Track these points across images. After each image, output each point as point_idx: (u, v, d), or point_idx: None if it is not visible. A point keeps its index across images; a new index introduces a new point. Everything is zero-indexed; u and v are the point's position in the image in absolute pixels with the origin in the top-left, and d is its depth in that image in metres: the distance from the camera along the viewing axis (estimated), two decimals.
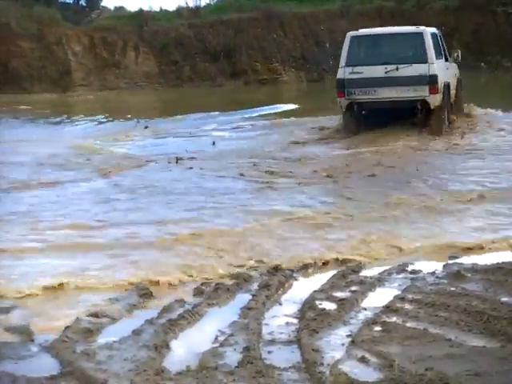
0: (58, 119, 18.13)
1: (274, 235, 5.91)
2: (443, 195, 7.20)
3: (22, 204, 7.46)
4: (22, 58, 27.35)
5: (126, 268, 5.15)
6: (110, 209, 7.16)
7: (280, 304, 4.37)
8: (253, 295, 4.45)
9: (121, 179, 8.90)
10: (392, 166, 9.13)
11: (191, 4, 32.41)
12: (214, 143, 12.05)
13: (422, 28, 12.75)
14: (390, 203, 6.93)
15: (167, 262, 5.27)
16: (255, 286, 4.64)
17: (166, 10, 33.84)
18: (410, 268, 4.93)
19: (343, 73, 12.36)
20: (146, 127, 14.65)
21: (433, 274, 4.76)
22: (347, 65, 12.33)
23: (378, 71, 12.21)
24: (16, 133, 14.52)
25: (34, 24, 28.28)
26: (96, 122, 17.07)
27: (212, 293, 4.55)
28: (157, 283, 4.78)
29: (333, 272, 4.90)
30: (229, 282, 4.76)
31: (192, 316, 4.14)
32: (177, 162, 10.01)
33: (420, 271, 4.83)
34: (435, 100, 11.92)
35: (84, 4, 56.86)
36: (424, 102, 11.89)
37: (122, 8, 39.30)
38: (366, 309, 4.16)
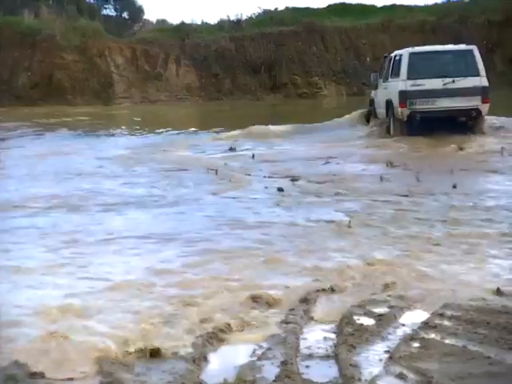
0: (128, 131, 18.30)
1: None
2: None
3: None
4: (65, 70, 27.71)
5: None
6: None
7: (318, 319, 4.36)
8: (291, 309, 4.45)
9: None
10: None
11: (233, 17, 32.62)
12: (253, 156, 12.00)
13: (471, 46, 14.28)
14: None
15: None
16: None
17: (207, 23, 34.10)
18: None
19: (405, 85, 13.75)
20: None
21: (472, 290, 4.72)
22: (408, 78, 13.74)
23: (436, 83, 13.68)
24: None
25: (77, 36, 28.64)
26: (166, 134, 17.28)
27: None
28: None
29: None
30: None
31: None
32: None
33: None
34: (486, 108, 13.72)
35: (127, 17, 57.59)
36: (477, 110, 13.60)
37: (164, 21, 39.73)
38: (404, 325, 4.14)
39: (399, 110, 13.71)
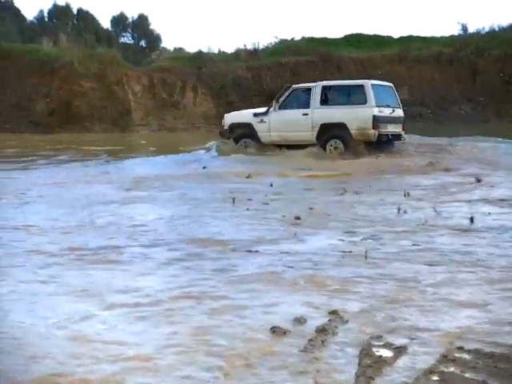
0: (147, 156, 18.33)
1: None
2: None
3: None
4: (83, 98, 27.96)
5: None
6: None
7: (336, 349, 4.36)
8: (309, 340, 4.45)
9: None
10: None
11: (249, 46, 32.85)
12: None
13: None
14: None
15: None
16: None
17: (224, 52, 34.40)
18: None
19: (376, 111, 16.56)
20: None
21: (492, 323, 4.71)
22: (376, 105, 16.58)
23: (387, 112, 16.87)
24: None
25: (95, 64, 28.93)
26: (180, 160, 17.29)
27: None
28: None
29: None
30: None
31: None
32: None
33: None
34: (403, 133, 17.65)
35: (144, 45, 58.20)
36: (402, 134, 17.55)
37: (181, 49, 40.16)
38: (422, 357, 4.13)
39: (371, 131, 16.40)
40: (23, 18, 55.81)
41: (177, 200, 10.42)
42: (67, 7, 57.59)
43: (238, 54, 32.80)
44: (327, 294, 5.31)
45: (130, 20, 59.69)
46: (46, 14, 57.70)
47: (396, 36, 34.57)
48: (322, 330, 4.48)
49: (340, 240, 7.25)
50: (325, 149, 16.86)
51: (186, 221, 8.54)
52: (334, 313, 4.80)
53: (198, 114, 29.22)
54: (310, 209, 9.31)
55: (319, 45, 32.27)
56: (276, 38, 35.34)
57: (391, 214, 8.89)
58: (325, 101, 17.20)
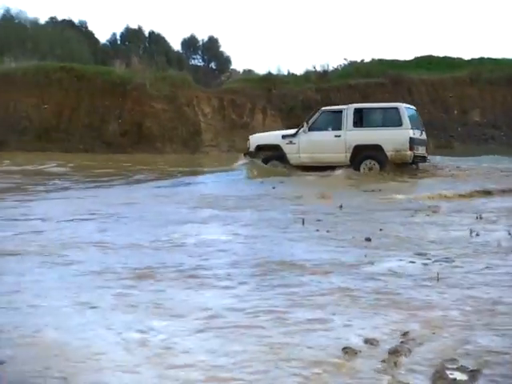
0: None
1: None
2: None
3: None
4: (155, 119, 28.37)
5: None
6: None
7: (409, 371, 4.33)
8: (381, 361, 4.43)
9: None
10: None
11: (319, 68, 32.91)
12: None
13: None
14: None
15: None
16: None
17: (293, 74, 34.51)
18: None
19: (412, 133, 17.14)
20: None
21: None
22: (411, 128, 17.23)
23: (417, 134, 17.49)
24: None
25: (166, 86, 29.32)
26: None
27: None
28: None
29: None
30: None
31: None
32: None
33: None
34: None
35: (214, 67, 58.87)
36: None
37: (250, 71, 40.51)
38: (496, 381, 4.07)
39: (408, 153, 16.96)
40: (96, 40, 57.08)
41: (247, 220, 10.46)
42: (139, 30, 58.76)
43: (307, 75, 32.90)
44: (399, 315, 5.27)
45: (201, 42, 60.57)
46: (118, 37, 58.97)
47: (467, 58, 34.31)
48: (394, 352, 4.45)
49: (411, 262, 7.19)
50: (358, 169, 17.23)
51: (259, 241, 8.58)
52: (406, 334, 4.77)
53: None
54: (380, 230, 9.26)
55: (389, 67, 32.16)
56: (345, 59, 35.40)
57: (463, 236, 8.78)
58: (358, 123, 17.44)
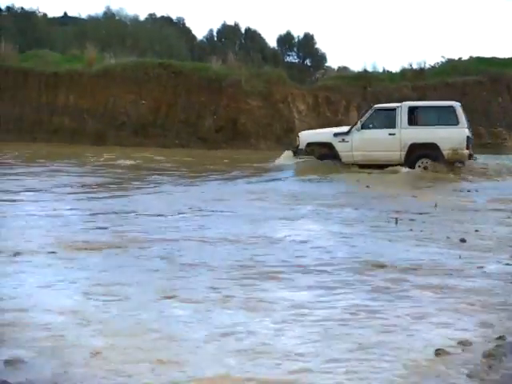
0: None
1: None
2: None
3: None
4: (249, 115, 28.55)
5: None
6: None
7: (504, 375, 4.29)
8: (475, 364, 4.40)
9: None
10: None
11: (415, 65, 32.51)
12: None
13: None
14: None
15: None
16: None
17: (389, 72, 34.18)
18: None
19: (468, 133, 17.05)
20: None
21: None
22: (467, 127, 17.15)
23: (469, 133, 17.22)
24: None
25: (261, 82, 29.46)
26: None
27: None
28: None
29: None
30: None
31: None
32: None
33: None
34: None
35: (309, 64, 58.87)
36: None
37: (345, 68, 40.23)
38: None
39: (465, 152, 16.94)
40: (194, 37, 57.91)
41: (342, 218, 10.47)
42: (236, 26, 59.32)
43: (403, 72, 32.52)
44: (494, 318, 5.23)
45: (296, 39, 60.67)
46: (215, 34, 59.63)
47: None
48: (488, 355, 4.42)
49: (507, 264, 7.10)
50: (413, 168, 17.12)
51: (354, 239, 8.60)
52: (501, 338, 4.72)
53: None
54: (476, 231, 9.14)
55: (488, 65, 31.52)
56: (443, 57, 34.79)
57: None
58: (413, 121, 17.38)
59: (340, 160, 17.68)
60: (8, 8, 52.85)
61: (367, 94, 29.95)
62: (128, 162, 20.84)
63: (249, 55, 40.75)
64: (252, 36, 58.58)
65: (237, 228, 9.33)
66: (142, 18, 55.40)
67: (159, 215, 10.53)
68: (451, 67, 32.14)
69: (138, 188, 14.63)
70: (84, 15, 59.55)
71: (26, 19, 49.76)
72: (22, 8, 53.11)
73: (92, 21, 50.83)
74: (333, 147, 17.75)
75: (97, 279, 6.32)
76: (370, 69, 33.15)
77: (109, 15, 51.65)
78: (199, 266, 6.90)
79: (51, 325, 4.93)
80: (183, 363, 4.27)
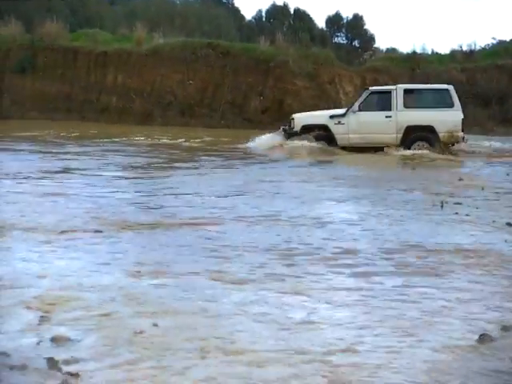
0: None
1: None
2: None
3: None
4: (296, 96, 28.46)
5: None
6: None
7: None
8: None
9: None
10: None
11: (465, 47, 32.10)
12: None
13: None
14: None
15: None
16: None
17: (438, 53, 33.81)
18: None
19: (461, 115, 17.24)
20: None
21: None
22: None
23: None
24: None
25: (309, 63, 29.33)
26: None
27: None
28: None
29: None
30: None
31: None
32: None
33: None
34: None
35: (357, 45, 58.45)
36: None
37: (394, 50, 39.90)
38: None
39: (460, 134, 17.24)
40: (242, 17, 57.84)
41: (388, 201, 10.46)
42: (285, 7, 59.11)
43: (452, 54, 32.12)
44: None
45: (345, 20, 60.24)
46: (263, 14, 59.49)
47: None
48: None
49: None
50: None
51: (400, 222, 8.61)
52: None
53: None
54: None
55: None
56: (494, 38, 34.28)
57: None
58: (409, 103, 17.40)
59: (336, 143, 17.65)
60: None
61: (415, 76, 29.63)
62: (176, 142, 20.99)
63: (297, 36, 40.50)
64: (301, 17, 58.27)
65: (289, 208, 9.44)
66: None
67: (207, 196, 10.62)
68: (502, 49, 31.66)
69: (187, 168, 14.73)
70: None
71: None
72: None
73: (142, 0, 51.04)
74: (329, 129, 17.72)
75: (143, 258, 6.43)
76: (418, 50, 32.77)
77: None
78: (248, 248, 6.99)
79: (97, 302, 5.05)
80: (228, 343, 4.36)
